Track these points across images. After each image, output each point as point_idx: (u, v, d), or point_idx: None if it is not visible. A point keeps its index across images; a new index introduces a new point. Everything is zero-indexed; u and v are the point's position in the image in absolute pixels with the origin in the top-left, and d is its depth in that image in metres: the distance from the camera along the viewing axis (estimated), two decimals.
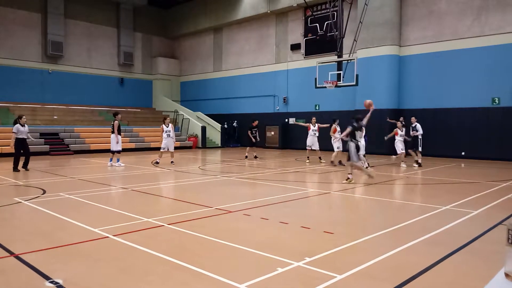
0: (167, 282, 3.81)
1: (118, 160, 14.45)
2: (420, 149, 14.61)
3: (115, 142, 14.36)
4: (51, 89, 25.66)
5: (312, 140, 15.93)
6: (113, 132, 14.41)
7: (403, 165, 14.40)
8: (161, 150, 15.07)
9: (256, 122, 18.06)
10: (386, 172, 12.96)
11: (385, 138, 15.25)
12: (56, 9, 25.53)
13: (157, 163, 14.67)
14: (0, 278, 3.85)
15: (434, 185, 10.59)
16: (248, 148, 18.04)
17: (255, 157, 17.66)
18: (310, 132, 15.96)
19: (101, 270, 4.10)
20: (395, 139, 14.86)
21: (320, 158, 15.97)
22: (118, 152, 14.61)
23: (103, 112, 26.39)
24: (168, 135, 14.94)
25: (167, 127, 14.98)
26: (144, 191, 8.92)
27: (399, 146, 14.70)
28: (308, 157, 16.11)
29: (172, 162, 14.78)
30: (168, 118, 15.38)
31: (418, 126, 14.56)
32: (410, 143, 14.78)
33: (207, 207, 7.14)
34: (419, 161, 14.46)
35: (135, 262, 4.33)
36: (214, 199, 8.08)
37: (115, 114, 14.82)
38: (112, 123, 14.58)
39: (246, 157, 17.74)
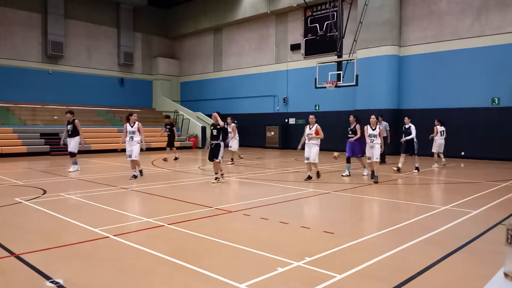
0: (168, 282, 3.81)
1: (75, 163, 12.81)
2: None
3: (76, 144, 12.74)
4: (51, 89, 25.66)
5: (231, 142, 15.19)
6: (77, 133, 12.71)
7: (435, 165, 14.34)
8: (127, 159, 11.04)
9: (168, 120, 17.08)
10: (386, 172, 12.95)
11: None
12: (56, 9, 25.53)
13: (135, 177, 10.83)
14: (0, 278, 3.86)
15: (433, 185, 10.60)
16: (168, 148, 16.67)
17: (176, 158, 16.51)
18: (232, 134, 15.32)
19: (101, 270, 4.11)
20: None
21: (240, 156, 16.24)
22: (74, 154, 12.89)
23: (103, 112, 26.40)
24: (132, 138, 10.85)
25: (132, 126, 10.89)
26: (144, 191, 8.92)
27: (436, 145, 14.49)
28: (232, 159, 15.53)
29: (134, 176, 10.78)
30: (134, 115, 11.09)
31: (413, 128, 13.21)
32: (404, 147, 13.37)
33: (207, 207, 7.15)
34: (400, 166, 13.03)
35: (136, 262, 4.34)
36: (214, 199, 8.09)
37: (70, 112, 12.87)
38: (72, 123, 12.70)
39: (176, 158, 16.51)
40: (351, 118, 11.95)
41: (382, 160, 15.33)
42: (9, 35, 24.10)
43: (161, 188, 9.82)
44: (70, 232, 5.54)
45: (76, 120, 12.76)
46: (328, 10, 20.26)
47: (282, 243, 5.13)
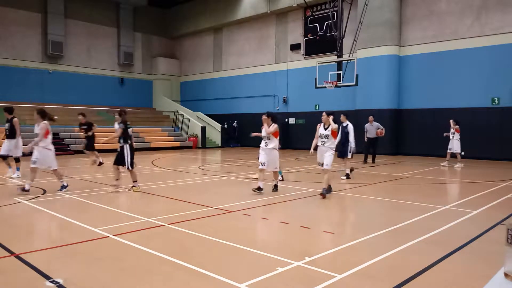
0: (168, 282, 3.81)
1: (18, 169, 11.17)
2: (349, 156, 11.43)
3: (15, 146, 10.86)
4: (51, 89, 25.67)
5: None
6: (14, 134, 10.82)
7: (458, 165, 14.53)
8: (31, 166, 8.35)
9: (82, 118, 14.03)
10: (386, 172, 12.95)
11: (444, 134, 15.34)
12: (56, 9, 25.53)
13: (24, 190, 8.24)
14: (0, 278, 3.86)
15: (434, 185, 10.59)
16: (89, 152, 14.30)
17: (100, 163, 14.05)
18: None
19: (101, 270, 4.11)
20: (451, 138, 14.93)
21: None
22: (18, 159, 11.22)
23: (103, 112, 26.40)
24: (38, 143, 8.36)
25: (37, 126, 8.45)
26: (144, 191, 8.92)
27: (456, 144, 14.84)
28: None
29: (64, 186, 8.72)
30: (35, 113, 8.59)
31: (350, 126, 11.41)
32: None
33: (207, 207, 7.14)
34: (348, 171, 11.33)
35: (136, 262, 4.34)
36: (214, 199, 8.09)
37: (9, 110, 10.89)
38: (11, 121, 10.78)
39: (101, 163, 14.07)
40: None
41: (369, 160, 15.44)
42: (9, 35, 24.09)
43: (161, 188, 9.81)
44: (70, 232, 5.54)
45: (15, 119, 10.83)
46: (328, 10, 20.26)
47: (282, 243, 5.13)
